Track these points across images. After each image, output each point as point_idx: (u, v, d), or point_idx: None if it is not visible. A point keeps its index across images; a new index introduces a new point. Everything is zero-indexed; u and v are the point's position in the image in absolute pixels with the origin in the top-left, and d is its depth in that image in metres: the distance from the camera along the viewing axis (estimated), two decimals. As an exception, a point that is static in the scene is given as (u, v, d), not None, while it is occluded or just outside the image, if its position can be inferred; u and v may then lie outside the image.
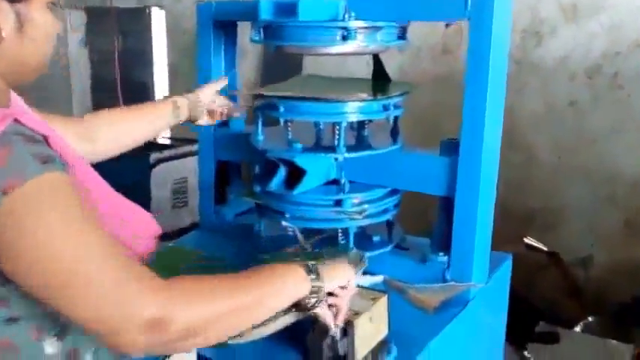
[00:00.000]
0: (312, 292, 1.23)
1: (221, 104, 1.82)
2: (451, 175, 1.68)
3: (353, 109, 1.73)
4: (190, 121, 1.80)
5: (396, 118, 1.86)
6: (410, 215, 2.08)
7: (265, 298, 1.14)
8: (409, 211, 2.05)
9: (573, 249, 3.29)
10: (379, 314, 1.45)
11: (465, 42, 1.62)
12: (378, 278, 1.77)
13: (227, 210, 2.18)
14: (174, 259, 1.96)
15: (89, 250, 0.95)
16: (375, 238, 1.91)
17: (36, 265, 0.93)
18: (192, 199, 4.22)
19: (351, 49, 1.73)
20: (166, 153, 4.21)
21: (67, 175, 0.99)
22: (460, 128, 1.65)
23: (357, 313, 1.38)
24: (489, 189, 1.73)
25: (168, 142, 4.62)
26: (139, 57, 5.13)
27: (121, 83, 5.05)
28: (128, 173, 4.18)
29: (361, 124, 1.93)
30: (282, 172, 1.77)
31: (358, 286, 1.46)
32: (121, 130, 1.67)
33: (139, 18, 5.06)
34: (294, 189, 1.73)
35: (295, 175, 1.74)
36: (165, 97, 1.79)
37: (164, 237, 1.90)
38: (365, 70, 3.70)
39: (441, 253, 1.76)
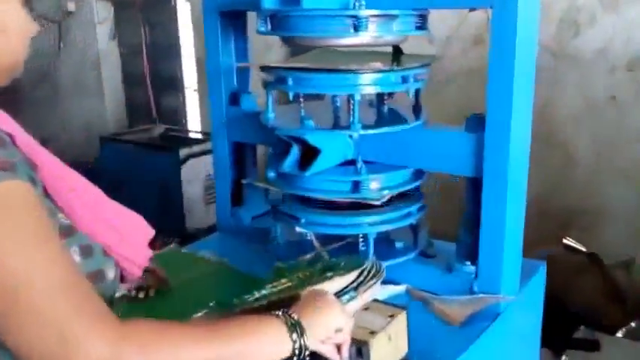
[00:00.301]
0: (294, 352, 1.06)
1: None
2: (477, 152, 1.55)
3: (368, 81, 1.60)
4: None
5: (417, 93, 1.73)
6: (438, 218, 1.95)
7: (241, 355, 1.00)
8: (436, 213, 1.92)
9: (614, 251, 3.14)
10: (398, 331, 1.33)
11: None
12: (401, 288, 1.68)
13: (244, 212, 2.08)
14: (179, 265, 1.88)
15: (41, 275, 0.84)
16: (398, 245, 1.79)
17: None
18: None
19: (364, 40, 1.61)
20: (196, 148, 4.17)
21: (31, 186, 0.89)
22: (487, 101, 1.51)
23: (372, 332, 1.27)
24: (519, 171, 1.58)
25: (199, 136, 4.57)
26: (167, 49, 5.11)
27: (151, 76, 5.05)
28: (158, 170, 4.21)
29: (380, 100, 1.80)
30: (295, 151, 1.65)
31: (375, 300, 1.35)
32: None
33: (165, 9, 5.02)
34: (308, 170, 1.62)
35: (310, 155, 1.62)
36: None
37: (198, 234, 1.82)
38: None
39: (468, 262, 1.64)
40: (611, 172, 3.19)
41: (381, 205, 1.71)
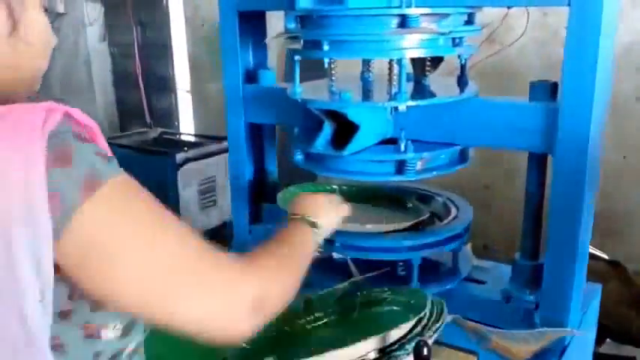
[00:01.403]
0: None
1: None
2: (548, 124, 1.34)
3: (414, 43, 1.38)
4: None
5: (464, 64, 1.54)
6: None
7: (305, 262, 1.15)
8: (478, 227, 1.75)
9: (638, 257, 2.98)
10: (468, 380, 1.17)
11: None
12: (448, 318, 1.50)
13: (263, 230, 1.89)
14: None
15: (185, 246, 0.88)
16: (441, 268, 1.62)
17: (136, 273, 0.83)
18: (221, 199, 4.10)
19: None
20: (193, 152, 4.02)
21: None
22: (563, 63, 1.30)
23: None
24: (596, 146, 1.35)
25: (194, 139, 4.44)
26: (159, 49, 4.95)
27: (142, 76, 4.91)
28: (155, 173, 4.04)
29: (420, 71, 1.61)
30: (327, 128, 1.46)
31: (439, 342, 1.18)
32: None
33: (156, 9, 4.85)
34: (345, 149, 1.43)
35: (343, 133, 1.44)
36: None
37: None
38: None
39: (528, 291, 1.47)
40: (636, 175, 3.05)
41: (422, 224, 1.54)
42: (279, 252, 1.09)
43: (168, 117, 5.04)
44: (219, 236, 2.17)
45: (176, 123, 5.04)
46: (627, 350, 2.68)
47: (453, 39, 1.43)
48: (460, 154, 1.56)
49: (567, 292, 1.38)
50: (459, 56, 1.49)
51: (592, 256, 2.93)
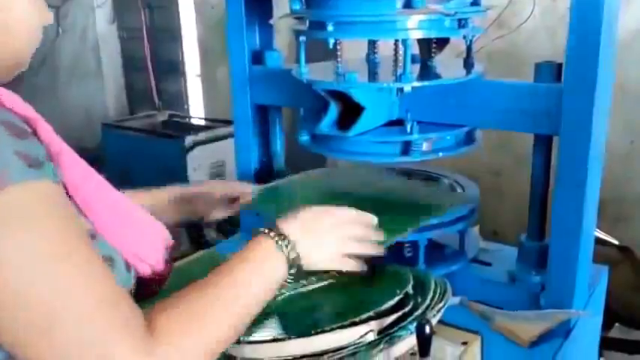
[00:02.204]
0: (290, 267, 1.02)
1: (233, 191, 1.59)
2: (553, 104, 1.33)
3: (419, 24, 1.37)
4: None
5: (470, 46, 1.52)
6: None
7: (253, 300, 0.95)
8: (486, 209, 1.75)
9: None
10: (471, 360, 1.17)
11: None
12: (455, 300, 1.49)
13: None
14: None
15: (78, 288, 0.75)
16: (448, 250, 1.62)
17: (8, 301, 0.72)
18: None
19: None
20: (202, 135, 4.01)
21: (58, 185, 0.78)
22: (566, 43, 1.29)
23: (446, 363, 1.10)
24: (601, 126, 1.36)
25: (203, 123, 4.42)
26: (168, 32, 4.94)
27: (152, 61, 4.89)
28: (163, 158, 4.05)
29: (426, 53, 1.60)
30: (333, 109, 1.46)
31: (443, 322, 1.18)
32: None
33: (165, -9, 4.84)
34: (350, 130, 1.43)
35: (349, 114, 1.44)
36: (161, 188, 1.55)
37: (204, 223, 1.67)
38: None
39: (534, 272, 1.47)
40: (645, 160, 3.02)
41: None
42: (208, 298, 0.89)
43: (178, 101, 5.04)
44: (229, 221, 2.16)
45: (186, 107, 5.03)
46: (636, 335, 2.68)
47: (459, 20, 1.41)
48: (467, 136, 1.55)
49: (572, 274, 1.38)
50: (464, 37, 1.47)
51: (602, 242, 2.95)
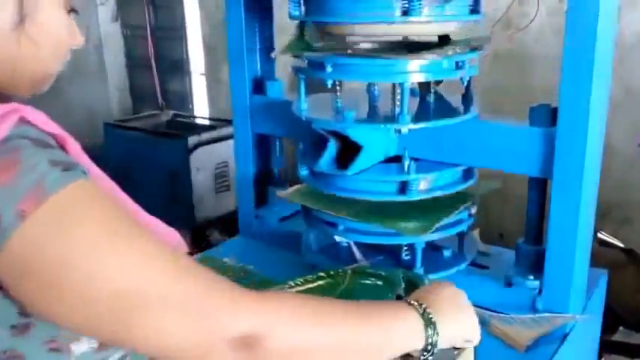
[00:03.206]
0: (424, 349, 0.95)
1: None
2: (546, 149, 1.35)
3: (417, 68, 1.39)
4: None
5: (469, 81, 1.53)
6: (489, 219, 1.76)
7: (381, 344, 0.90)
8: (487, 213, 1.73)
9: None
10: (465, 365, 1.15)
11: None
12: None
13: (269, 213, 1.89)
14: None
15: (153, 265, 0.75)
16: (446, 253, 1.60)
17: (85, 297, 0.72)
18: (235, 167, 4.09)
19: (411, 28, 1.43)
20: (205, 136, 3.99)
21: (95, 183, 0.78)
22: (559, 90, 1.31)
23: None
24: (593, 170, 1.39)
25: (207, 123, 4.40)
26: (172, 31, 4.91)
27: (156, 59, 4.88)
28: (166, 158, 4.04)
29: (425, 89, 1.60)
30: (332, 147, 1.47)
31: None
32: None
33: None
34: (348, 169, 1.44)
35: (348, 151, 1.44)
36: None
37: (207, 224, 1.65)
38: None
39: (531, 277, 1.45)
40: (651, 163, 2.98)
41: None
42: (336, 308, 0.87)
43: (182, 100, 5.03)
44: (233, 222, 2.17)
45: (190, 106, 5.01)
46: (639, 338, 2.65)
47: (456, 62, 1.43)
48: (464, 174, 1.55)
49: (568, 278, 1.37)
50: (461, 78, 1.48)
51: (607, 244, 2.92)
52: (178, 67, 4.98)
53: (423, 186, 1.49)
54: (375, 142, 1.47)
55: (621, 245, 2.94)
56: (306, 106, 1.54)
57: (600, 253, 2.95)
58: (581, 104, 1.28)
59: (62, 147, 0.79)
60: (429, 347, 0.94)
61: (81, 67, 4.80)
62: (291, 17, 1.51)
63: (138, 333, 0.74)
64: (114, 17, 4.99)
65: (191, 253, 1.57)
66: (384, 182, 1.50)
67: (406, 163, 1.48)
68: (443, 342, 0.96)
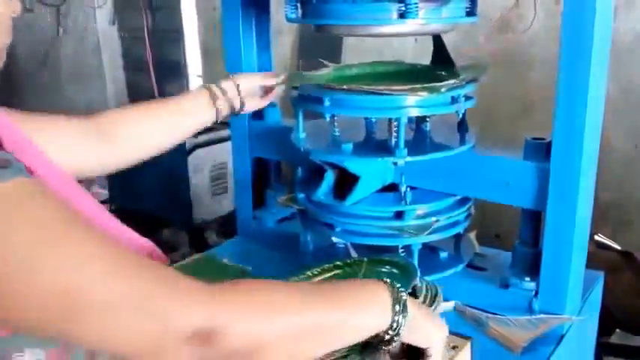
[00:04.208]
0: (389, 328, 0.91)
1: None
2: (540, 184, 1.38)
3: (414, 103, 1.41)
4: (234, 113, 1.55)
5: (464, 113, 1.55)
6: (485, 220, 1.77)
7: (343, 325, 0.88)
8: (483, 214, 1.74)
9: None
10: (461, 366, 1.16)
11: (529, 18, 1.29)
12: (449, 305, 1.48)
13: (267, 215, 1.90)
14: (209, 272, 1.71)
15: (94, 265, 0.72)
16: (443, 255, 1.61)
17: (26, 297, 0.69)
18: (233, 185, 4.08)
19: (409, 28, 1.42)
20: (203, 137, 3.99)
21: (36, 180, 0.74)
22: (552, 124, 1.33)
23: (435, 369, 1.09)
24: (587, 199, 1.41)
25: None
26: (170, 34, 4.92)
27: (153, 62, 4.88)
28: (164, 160, 4.01)
29: (421, 118, 1.62)
30: (329, 177, 1.49)
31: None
32: (146, 128, 1.42)
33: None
34: (346, 199, 1.46)
35: (345, 180, 1.47)
36: (200, 87, 1.51)
37: (205, 225, 1.65)
38: (411, 46, 3.43)
39: (527, 278, 1.45)
40: (649, 164, 2.99)
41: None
42: (295, 292, 0.87)
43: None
44: (231, 223, 2.17)
45: (188, 108, 5.01)
46: (637, 341, 2.65)
47: (452, 97, 1.44)
48: (459, 201, 1.57)
49: (565, 280, 1.37)
50: (457, 112, 1.50)
51: (604, 246, 2.93)
52: (176, 69, 4.98)
53: (420, 213, 1.51)
54: (373, 173, 1.50)
55: (618, 248, 2.95)
56: (303, 136, 1.57)
57: (597, 256, 2.96)
58: (573, 142, 1.31)
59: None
60: (394, 325, 0.91)
61: (79, 70, 4.81)
62: (289, 20, 1.51)
63: (86, 333, 0.72)
64: (111, 20, 4.99)
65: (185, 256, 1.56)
66: (380, 211, 1.52)
67: (403, 190, 1.52)
68: (407, 330, 0.92)
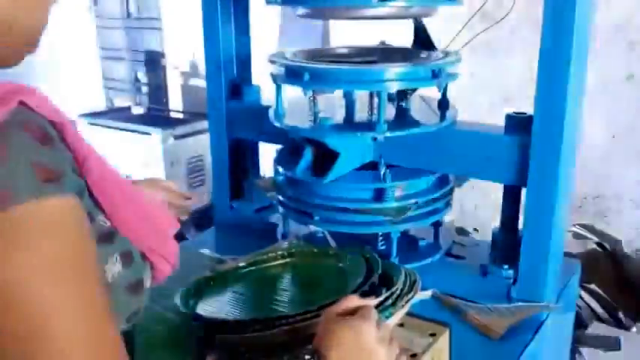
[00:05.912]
0: None
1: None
2: (520, 158, 1.36)
3: (394, 76, 1.39)
4: None
5: (445, 89, 1.53)
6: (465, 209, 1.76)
7: None
8: (463, 204, 1.73)
9: (628, 240, 2.96)
10: (440, 352, 1.14)
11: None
12: (426, 294, 1.47)
13: (245, 205, 1.87)
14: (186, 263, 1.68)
15: (70, 320, 0.68)
16: (422, 243, 1.60)
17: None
18: (210, 178, 4.03)
19: (390, 11, 1.41)
20: (180, 130, 3.96)
21: (78, 200, 0.71)
22: (535, 98, 1.31)
23: (414, 355, 1.08)
24: (568, 176, 1.39)
25: (182, 116, 4.36)
26: (147, 23, 4.85)
27: (130, 51, 4.81)
28: (139, 152, 3.99)
29: (402, 96, 1.60)
30: (308, 154, 1.47)
31: (411, 314, 1.15)
32: None
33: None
34: (325, 176, 1.43)
35: (324, 158, 1.44)
36: None
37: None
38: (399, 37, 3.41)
39: (506, 266, 1.45)
40: (627, 155, 3.00)
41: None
42: None
43: (156, 93, 4.97)
44: (207, 216, 2.14)
45: (164, 99, 4.96)
46: (613, 332, 2.66)
47: (433, 70, 1.43)
48: (439, 181, 1.55)
49: (543, 268, 1.37)
50: (437, 86, 1.48)
51: (581, 237, 2.94)
52: (154, 59, 4.92)
53: (399, 193, 1.50)
54: (352, 150, 1.48)
55: (596, 239, 2.96)
56: (283, 113, 1.54)
57: (575, 247, 2.97)
58: (555, 115, 1.28)
59: (60, 135, 0.72)
60: None
61: (54, 59, 4.73)
62: (268, 3, 1.49)
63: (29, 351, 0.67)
64: (88, 7, 4.92)
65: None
66: (359, 190, 1.50)
67: (382, 170, 1.49)
68: None
